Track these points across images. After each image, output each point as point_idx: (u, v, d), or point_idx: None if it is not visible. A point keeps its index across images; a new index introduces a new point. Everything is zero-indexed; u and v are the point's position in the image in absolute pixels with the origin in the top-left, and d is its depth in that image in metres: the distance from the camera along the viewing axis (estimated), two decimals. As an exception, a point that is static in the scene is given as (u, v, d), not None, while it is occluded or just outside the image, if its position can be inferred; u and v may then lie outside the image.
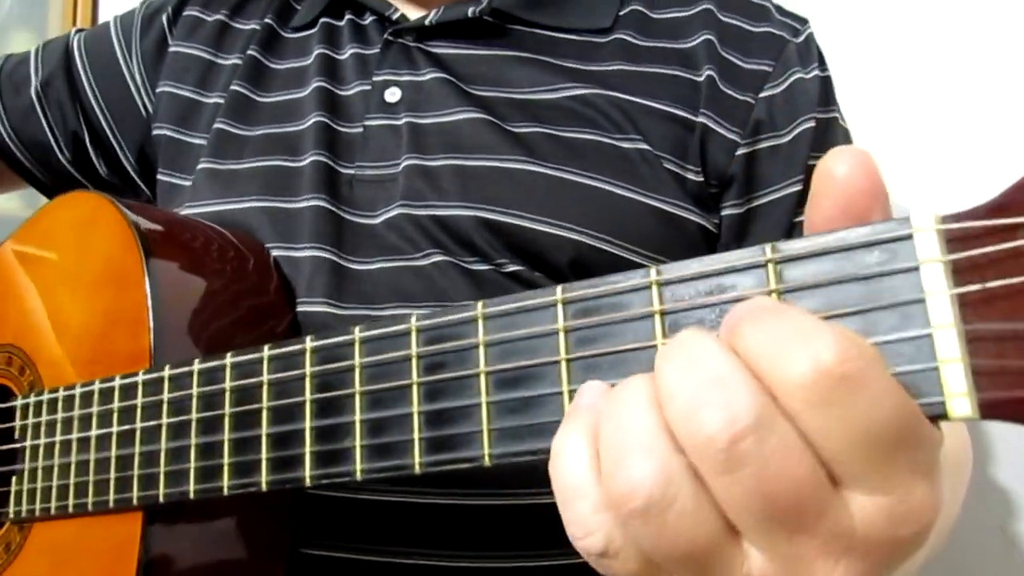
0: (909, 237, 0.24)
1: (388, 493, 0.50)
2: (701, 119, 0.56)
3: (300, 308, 0.53)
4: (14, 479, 0.50)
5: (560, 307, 0.30)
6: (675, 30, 0.59)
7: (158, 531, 0.43)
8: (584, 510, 0.25)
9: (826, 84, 0.59)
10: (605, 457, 0.25)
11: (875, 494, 0.24)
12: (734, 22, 0.59)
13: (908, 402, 0.23)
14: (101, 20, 1.16)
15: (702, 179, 0.56)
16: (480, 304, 0.32)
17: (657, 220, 0.54)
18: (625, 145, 0.55)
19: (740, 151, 0.56)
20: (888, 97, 0.82)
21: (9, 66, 0.72)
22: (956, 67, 0.79)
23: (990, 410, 0.23)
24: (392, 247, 0.54)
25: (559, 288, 0.30)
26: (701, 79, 0.57)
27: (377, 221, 0.55)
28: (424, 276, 0.52)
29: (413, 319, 0.34)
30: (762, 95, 0.57)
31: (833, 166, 0.26)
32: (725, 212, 0.57)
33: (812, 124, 0.57)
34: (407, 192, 0.54)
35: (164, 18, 0.69)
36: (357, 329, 0.35)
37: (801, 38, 0.59)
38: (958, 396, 0.23)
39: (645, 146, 0.55)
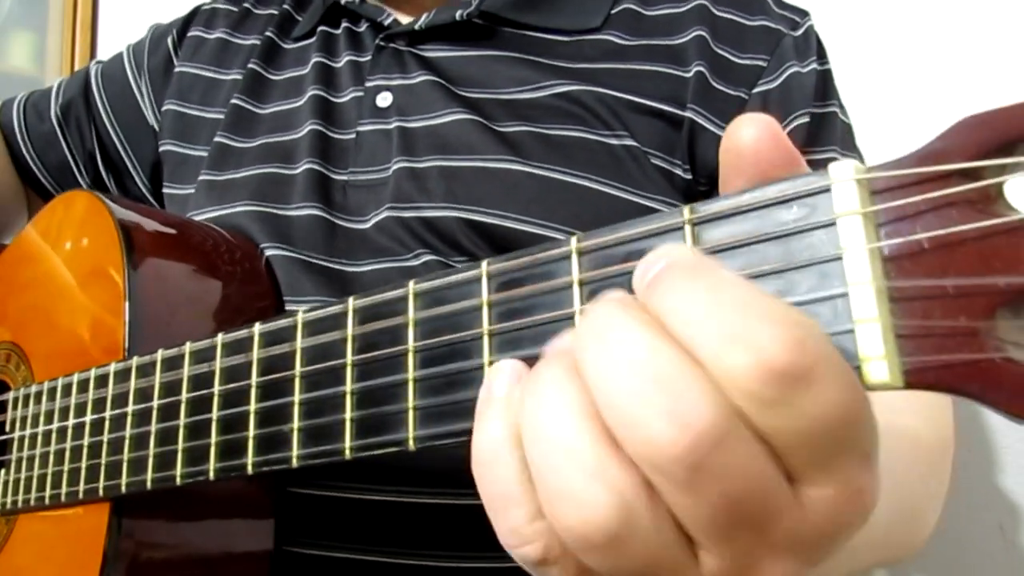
0: (827, 189, 0.22)
1: (375, 492, 0.50)
2: (689, 114, 0.54)
3: (290, 309, 0.53)
4: (2, 471, 0.51)
5: (485, 280, 0.29)
6: (668, 26, 0.58)
7: (126, 523, 0.43)
8: (518, 520, 0.23)
9: (824, 78, 0.57)
10: (536, 468, 0.22)
11: (823, 486, 0.21)
12: (729, 16, 0.57)
13: (853, 385, 0.21)
14: (101, 19, 1.21)
15: (691, 176, 0.54)
16: (412, 282, 0.31)
17: None
18: (613, 142, 0.54)
19: None
20: (894, 91, 0.79)
21: (34, 98, 0.76)
22: (964, 62, 0.76)
23: (915, 376, 0.21)
24: (383, 249, 0.54)
25: (485, 262, 0.29)
26: (689, 75, 0.55)
27: (368, 225, 0.55)
28: (414, 277, 0.52)
29: (350, 300, 0.33)
30: (756, 90, 0.55)
31: (737, 132, 0.24)
32: None
33: (806, 120, 0.55)
34: (395, 194, 0.54)
35: (170, 40, 0.72)
36: (300, 311, 0.35)
37: (799, 31, 0.57)
38: (875, 360, 0.21)
39: (632, 142, 0.54)
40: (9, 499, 0.49)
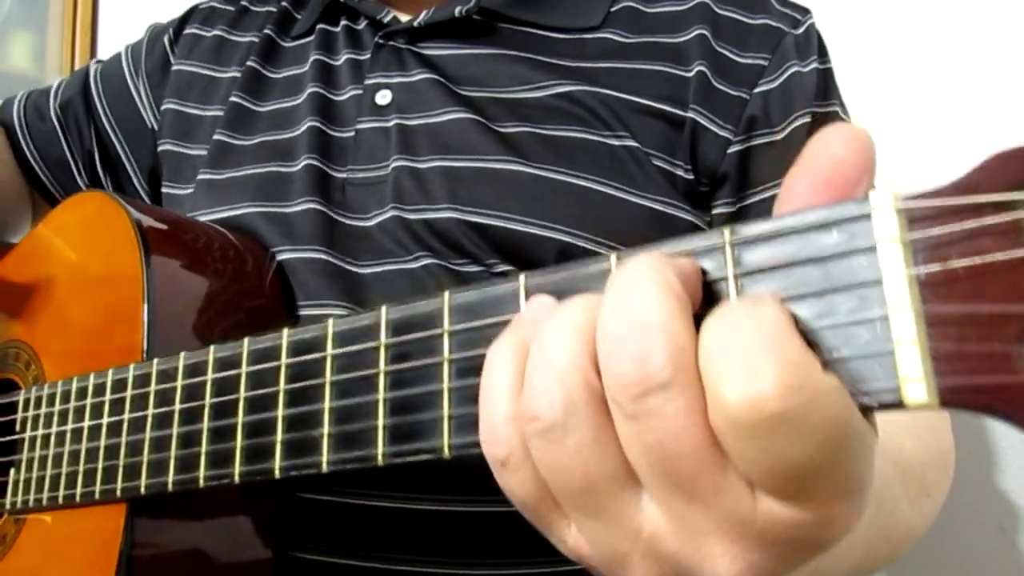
0: (868, 216, 0.23)
1: (381, 499, 0.50)
2: (690, 115, 0.55)
3: (302, 312, 0.54)
4: (12, 471, 0.51)
5: (523, 294, 0.29)
6: (669, 24, 0.58)
7: (142, 524, 0.43)
8: (496, 417, 0.26)
9: (826, 77, 0.57)
10: (527, 373, 0.25)
11: (788, 504, 0.23)
12: (730, 15, 0.58)
13: (841, 435, 0.22)
14: (101, 19, 1.20)
15: (692, 177, 0.55)
16: (447, 293, 0.32)
17: (647, 218, 0.53)
18: (614, 142, 0.54)
19: (732, 148, 0.55)
20: (895, 89, 0.81)
21: (35, 96, 0.76)
22: (965, 60, 0.77)
23: (949, 396, 0.22)
24: (385, 251, 0.54)
25: (523, 275, 0.30)
26: (691, 75, 0.55)
27: (371, 224, 0.55)
28: (415, 280, 0.52)
29: (383, 310, 0.33)
30: (757, 90, 0.55)
31: (830, 142, 0.25)
32: (717, 211, 0.56)
33: (808, 119, 0.55)
34: (398, 195, 0.54)
35: (166, 39, 0.72)
36: (331, 319, 0.35)
37: (801, 30, 0.57)
38: (913, 381, 0.22)
39: (634, 143, 0.54)
40: (20, 498, 0.49)
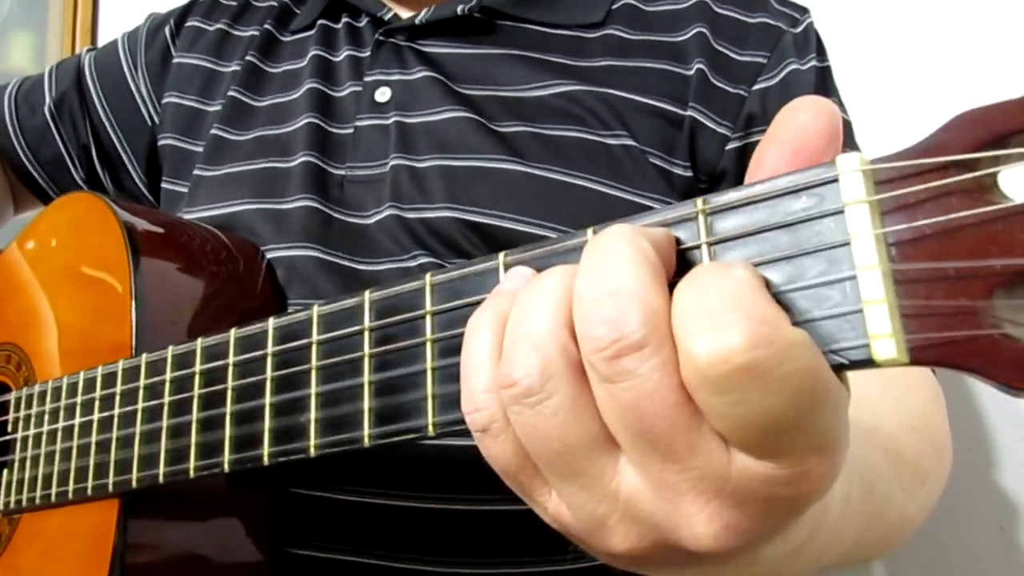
0: (835, 180, 0.24)
1: (375, 496, 0.50)
2: (690, 113, 0.55)
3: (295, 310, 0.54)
4: (4, 471, 0.51)
5: (502, 271, 0.30)
6: (668, 22, 0.59)
7: (135, 521, 0.44)
8: (476, 387, 0.26)
9: (824, 74, 0.58)
10: (505, 343, 0.26)
11: (762, 459, 0.23)
12: (729, 13, 0.58)
13: (811, 387, 0.22)
14: (101, 19, 1.20)
15: (691, 174, 0.55)
16: (428, 275, 0.32)
17: None
18: (611, 141, 0.55)
19: (731, 145, 0.55)
20: (893, 88, 0.81)
21: (25, 88, 0.74)
22: (962, 59, 0.78)
23: (920, 352, 0.22)
24: (382, 249, 0.54)
25: (502, 253, 0.30)
26: (691, 73, 0.56)
27: (369, 222, 0.55)
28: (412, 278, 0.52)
29: (366, 294, 0.34)
30: (756, 88, 0.56)
31: (797, 111, 0.26)
32: None
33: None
34: (396, 194, 0.55)
35: (167, 30, 0.71)
36: (315, 305, 0.35)
37: (799, 28, 0.58)
38: (883, 337, 0.22)
39: (631, 141, 0.54)
40: (13, 499, 0.49)
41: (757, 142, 0.54)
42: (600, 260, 0.24)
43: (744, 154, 0.56)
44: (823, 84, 0.57)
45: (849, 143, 0.58)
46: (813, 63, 0.57)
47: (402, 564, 0.49)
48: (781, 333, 0.22)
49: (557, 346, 0.24)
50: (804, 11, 0.59)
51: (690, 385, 0.23)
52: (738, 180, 0.56)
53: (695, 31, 0.57)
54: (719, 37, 0.57)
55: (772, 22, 0.58)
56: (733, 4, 0.59)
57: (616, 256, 0.24)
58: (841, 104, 0.59)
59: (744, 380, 0.21)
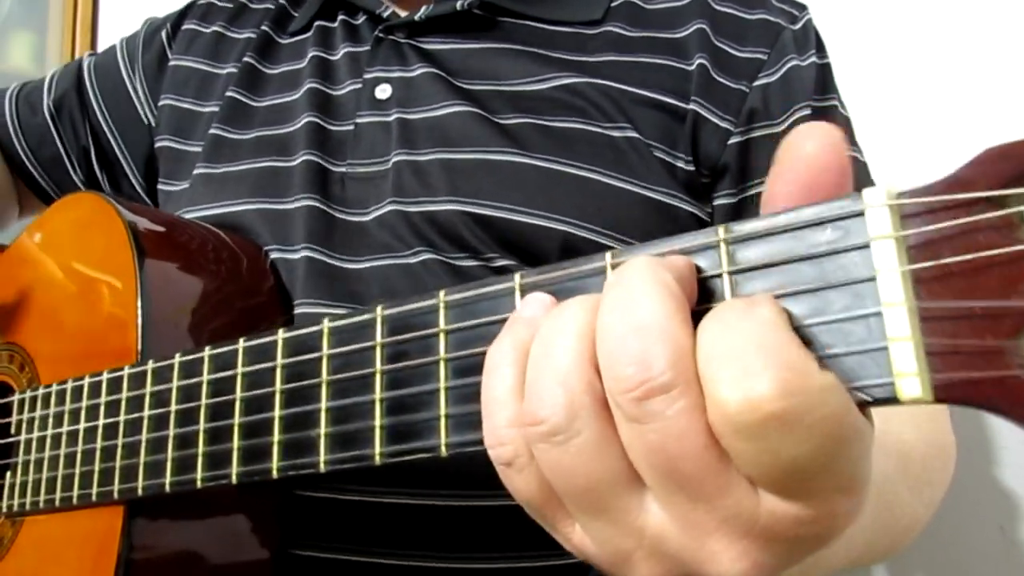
0: (861, 214, 0.23)
1: (378, 495, 0.50)
2: (692, 107, 0.55)
3: (297, 310, 0.53)
4: (8, 474, 0.51)
5: (518, 293, 0.30)
6: (668, 19, 0.59)
7: (139, 525, 0.43)
8: (500, 422, 0.26)
9: (824, 71, 0.58)
10: (528, 376, 0.25)
11: (790, 503, 0.23)
12: (728, 10, 0.58)
13: (839, 431, 0.22)
14: (101, 20, 1.20)
15: (693, 168, 0.55)
16: (442, 292, 0.32)
17: (647, 209, 0.53)
18: (615, 134, 0.54)
19: (733, 140, 0.55)
20: (892, 84, 0.81)
21: (26, 90, 0.75)
22: (962, 57, 0.77)
23: (945, 392, 0.22)
24: (383, 245, 0.54)
25: (518, 275, 0.30)
26: (692, 68, 0.56)
27: (369, 218, 0.55)
28: (413, 275, 0.52)
29: (379, 309, 0.33)
30: (756, 83, 0.56)
31: (802, 143, 0.25)
32: (718, 202, 0.56)
33: (807, 112, 0.55)
34: (398, 189, 0.54)
35: (163, 34, 0.71)
36: (326, 319, 0.35)
37: (798, 25, 0.58)
38: (908, 376, 0.22)
39: (635, 134, 0.54)
40: (16, 502, 0.49)
41: (759, 138, 0.56)
42: (624, 294, 0.24)
43: (746, 149, 0.55)
44: (823, 81, 0.57)
45: (851, 142, 0.58)
46: (813, 59, 0.57)
47: (405, 562, 0.49)
48: (811, 380, 0.22)
49: (582, 383, 0.24)
50: (803, 8, 0.60)
51: (718, 430, 0.22)
52: (740, 175, 0.56)
53: (695, 27, 0.57)
54: (719, 33, 0.57)
55: (771, 19, 0.58)
56: (732, 1, 0.59)
57: (640, 290, 0.23)
58: (841, 101, 0.59)
59: (774, 428, 0.21)
